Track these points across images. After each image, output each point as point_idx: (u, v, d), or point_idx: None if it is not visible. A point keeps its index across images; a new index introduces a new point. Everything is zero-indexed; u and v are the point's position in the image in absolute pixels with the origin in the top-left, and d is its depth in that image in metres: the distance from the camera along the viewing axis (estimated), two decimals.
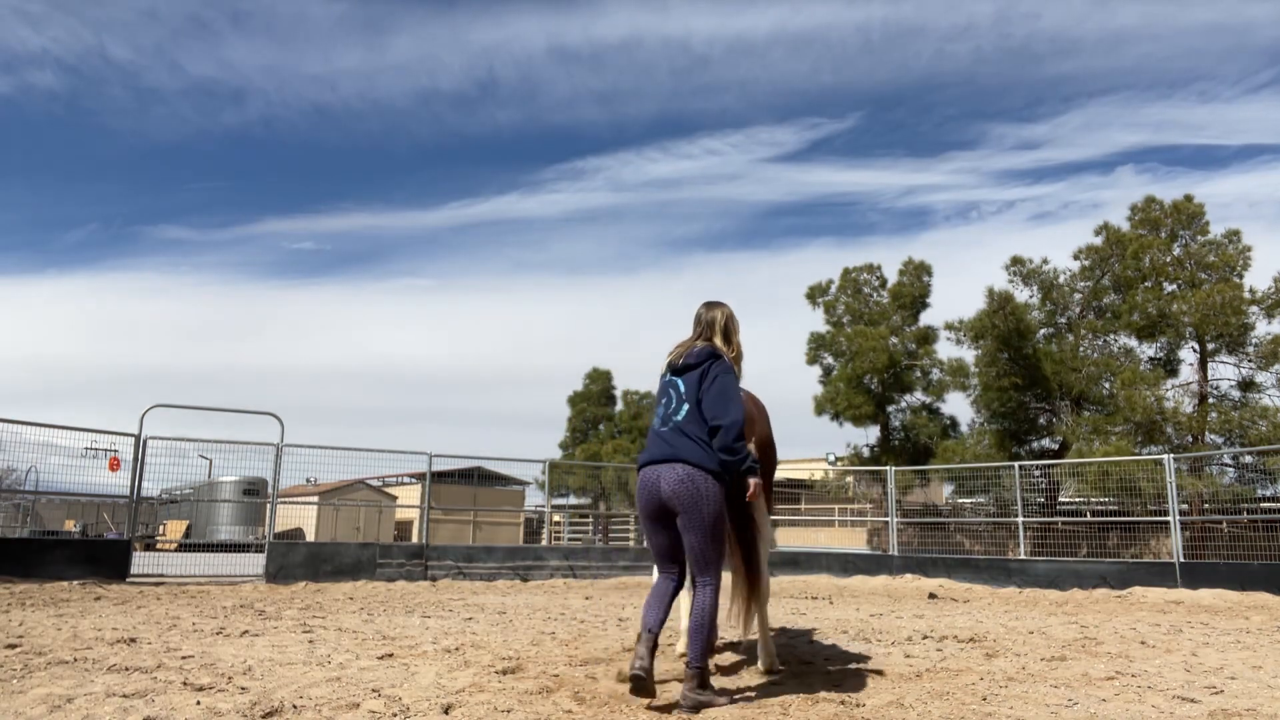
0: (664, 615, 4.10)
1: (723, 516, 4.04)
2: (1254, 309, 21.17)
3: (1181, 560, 13.57)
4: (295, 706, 3.86)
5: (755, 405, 5.15)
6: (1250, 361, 21.53)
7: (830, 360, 27.11)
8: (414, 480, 31.88)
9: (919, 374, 26.22)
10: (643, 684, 3.87)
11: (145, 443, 13.20)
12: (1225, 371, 22.00)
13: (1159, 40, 64.97)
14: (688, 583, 4.52)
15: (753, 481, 4.14)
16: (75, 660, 5.02)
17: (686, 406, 4.18)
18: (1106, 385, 22.31)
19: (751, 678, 4.99)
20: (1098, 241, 23.67)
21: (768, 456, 5.12)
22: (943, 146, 69.41)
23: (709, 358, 4.24)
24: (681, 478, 3.99)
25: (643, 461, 4.20)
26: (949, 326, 24.79)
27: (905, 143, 73.74)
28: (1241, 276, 21.64)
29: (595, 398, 34.22)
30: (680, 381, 4.27)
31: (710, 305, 4.53)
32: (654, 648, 3.95)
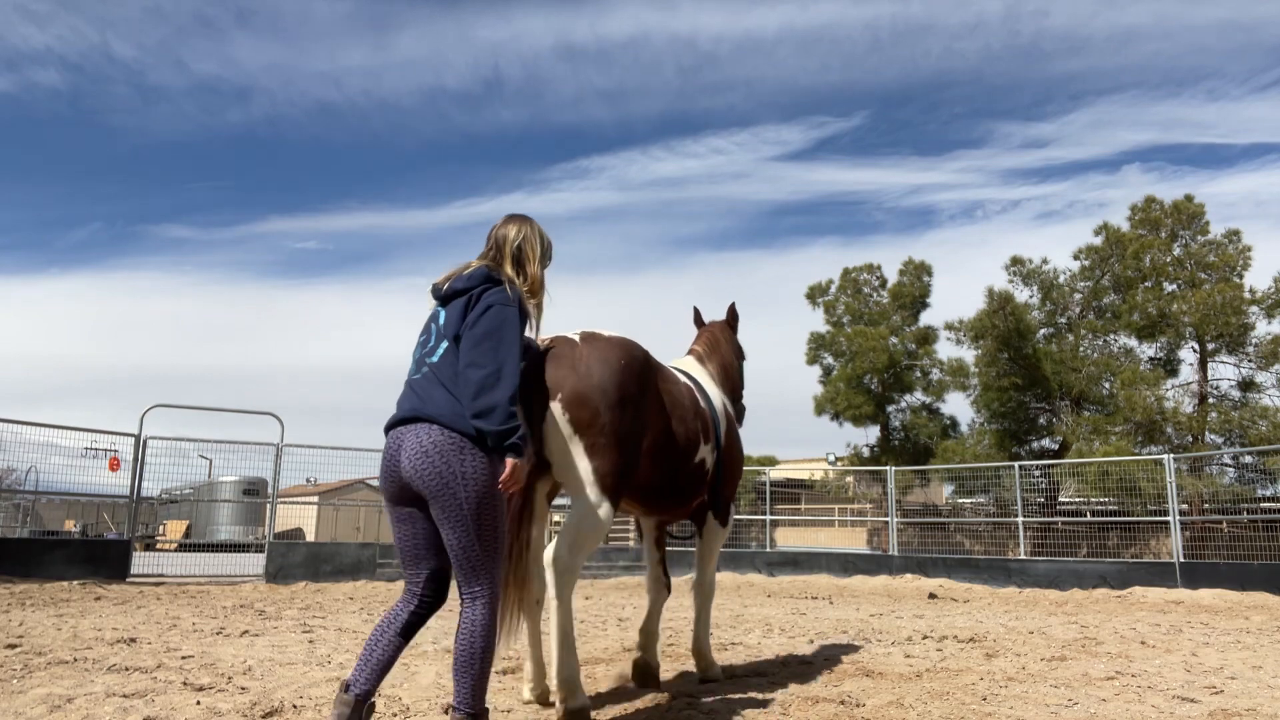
0: (383, 660, 2.90)
1: (492, 501, 2.89)
2: (1254, 309, 21.19)
3: (1181, 560, 13.57)
4: (295, 706, 3.86)
5: (595, 353, 3.73)
6: (1250, 361, 21.54)
7: (830, 360, 27.12)
8: None
9: (919, 374, 26.22)
10: None
11: (145, 443, 13.20)
12: (1225, 371, 22.03)
13: (1169, 38, 65.00)
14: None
15: (511, 463, 2.89)
16: (75, 660, 5.02)
17: (445, 345, 3.07)
18: (1106, 385, 22.31)
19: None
20: (1098, 241, 23.68)
21: (614, 426, 3.63)
22: (949, 145, 69.48)
23: (483, 282, 3.12)
24: (427, 448, 2.87)
25: (387, 424, 3.07)
26: (949, 326, 24.82)
27: (911, 141, 73.81)
28: (1241, 276, 21.65)
29: None
30: (443, 313, 3.15)
31: (509, 219, 3.37)
32: (359, 710, 2.84)
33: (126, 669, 4.78)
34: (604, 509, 3.60)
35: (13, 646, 5.51)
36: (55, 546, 12.85)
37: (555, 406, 3.58)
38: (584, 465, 3.57)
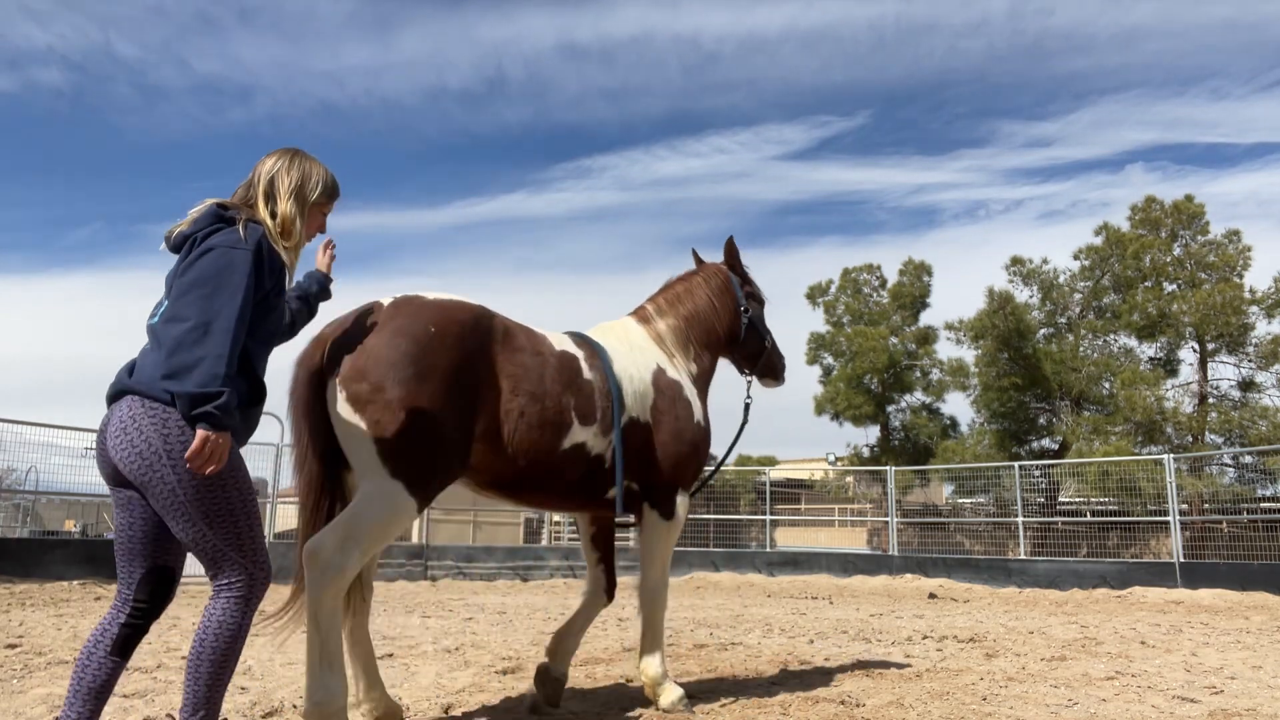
0: (94, 686, 2.48)
1: (217, 480, 2.40)
2: (1254, 309, 21.20)
3: (1181, 560, 13.57)
4: (295, 706, 3.86)
5: (394, 320, 3.23)
6: (1250, 361, 21.55)
7: (830, 360, 27.15)
8: None
9: (919, 374, 26.24)
10: None
11: None
12: (1225, 371, 22.06)
13: (1173, 36, 64.92)
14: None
15: (201, 434, 2.32)
16: (75, 660, 5.02)
17: (166, 304, 2.54)
18: (1106, 385, 22.33)
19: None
20: (1098, 241, 23.70)
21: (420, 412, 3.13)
22: (952, 144, 69.44)
23: (211, 223, 2.56)
24: (126, 424, 2.41)
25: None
26: (949, 326, 24.86)
27: (915, 141, 73.77)
28: (1241, 276, 21.67)
29: None
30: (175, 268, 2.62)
31: (267, 155, 2.84)
32: None
33: (127, 669, 4.78)
34: (394, 499, 3.06)
35: (13, 646, 5.51)
36: (55, 546, 12.85)
37: (334, 383, 3.17)
38: (365, 447, 3.09)
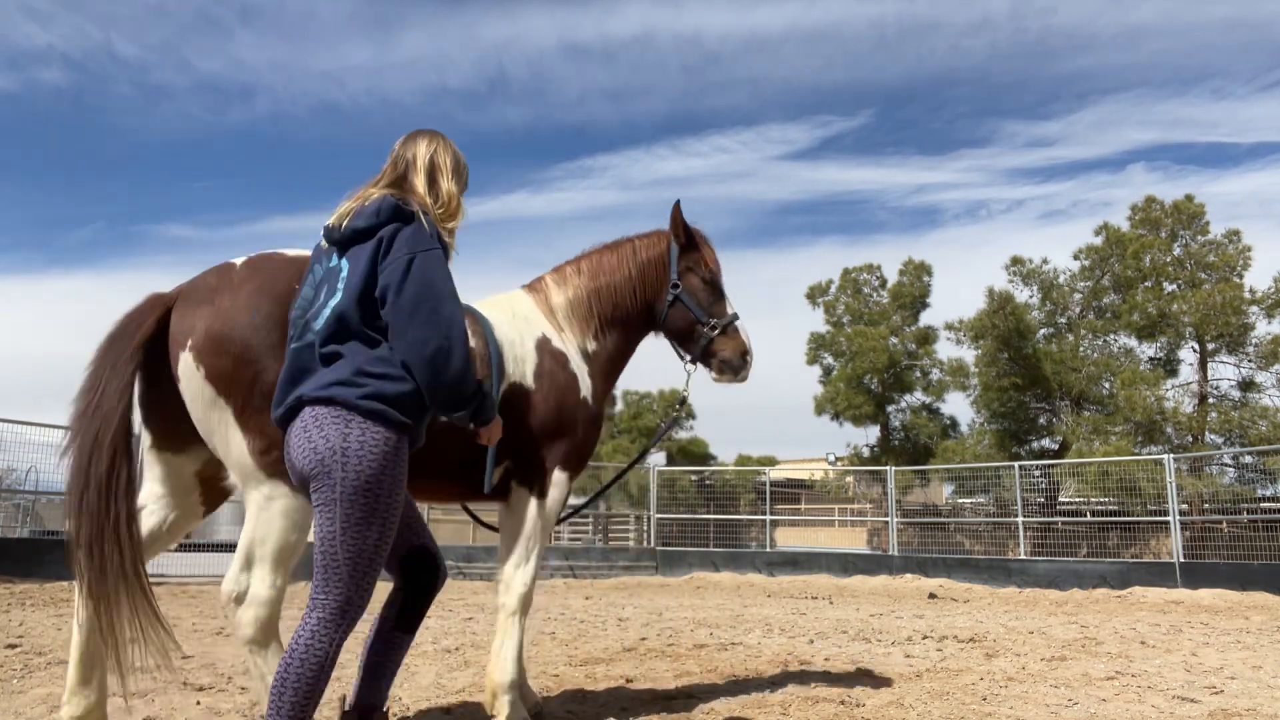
0: (377, 669, 2.81)
1: (378, 490, 2.32)
2: (1254, 309, 21.20)
3: (1181, 560, 13.57)
4: None
5: (252, 279, 2.90)
6: (1250, 361, 21.55)
7: (830, 360, 27.15)
8: None
9: (919, 374, 26.25)
10: None
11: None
12: (1225, 371, 22.05)
13: (1176, 35, 64.91)
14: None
15: (484, 431, 2.58)
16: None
17: (337, 300, 2.42)
18: (1106, 385, 22.33)
19: None
20: (1098, 241, 23.70)
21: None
22: (954, 144, 69.43)
23: (393, 218, 2.47)
24: (307, 424, 2.35)
25: (275, 411, 2.47)
26: (949, 326, 24.86)
27: (916, 140, 73.74)
28: (1241, 276, 21.67)
29: None
30: (344, 262, 2.48)
31: (413, 135, 2.72)
32: None
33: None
34: (286, 502, 2.68)
35: (13, 646, 5.51)
36: (55, 546, 12.82)
37: (185, 358, 2.71)
38: (237, 441, 2.68)
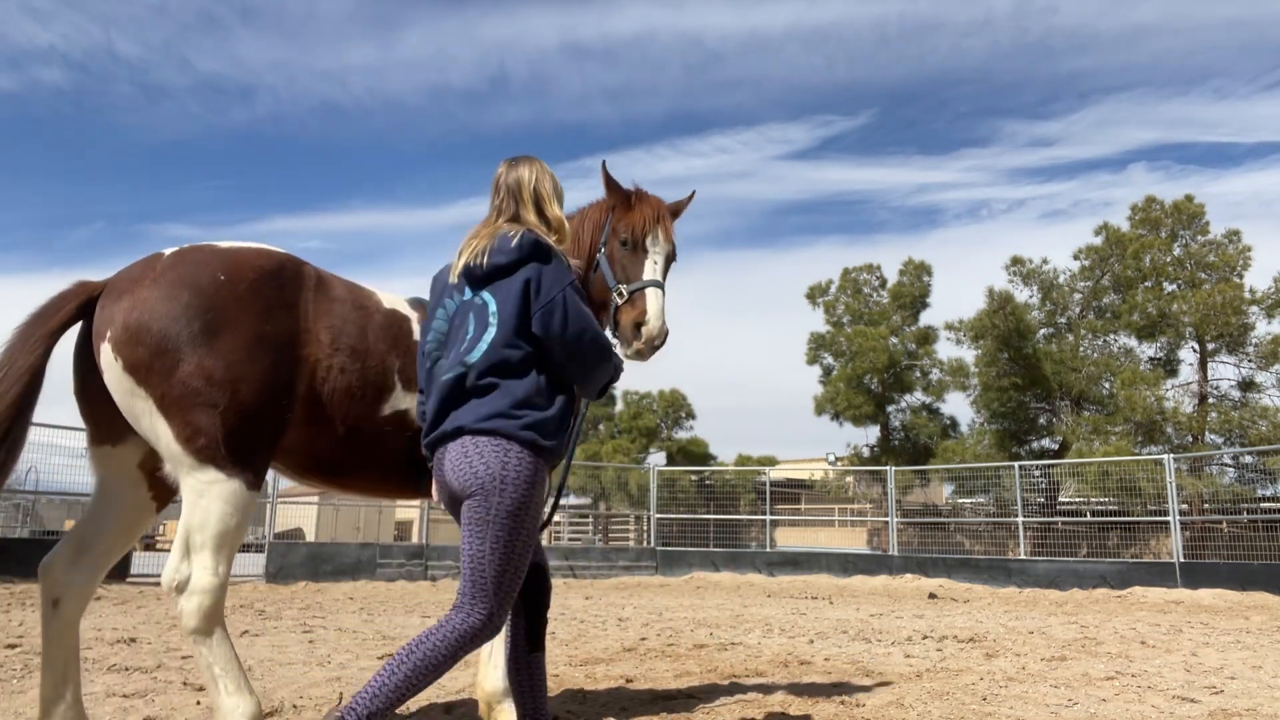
0: (529, 689, 2.86)
1: (526, 512, 2.47)
2: (1254, 309, 21.19)
3: (1181, 560, 13.57)
4: (295, 706, 3.86)
5: (175, 270, 2.80)
6: (1250, 361, 21.54)
7: (830, 360, 27.14)
8: None
9: (919, 374, 26.25)
10: None
11: None
12: (1225, 371, 22.04)
13: (1178, 35, 65.02)
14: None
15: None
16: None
17: (492, 334, 2.55)
18: (1106, 385, 22.33)
19: None
20: (1098, 241, 23.69)
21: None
22: (955, 144, 69.55)
23: (534, 256, 2.61)
24: (468, 450, 2.49)
25: (428, 435, 2.61)
26: (949, 326, 24.85)
27: (917, 140, 73.85)
28: (1241, 276, 21.66)
29: None
30: (488, 297, 2.60)
31: (515, 161, 2.85)
32: None
33: (126, 669, 4.78)
34: (221, 487, 2.66)
35: (13, 646, 5.51)
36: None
37: (105, 349, 2.70)
38: (163, 430, 2.67)
